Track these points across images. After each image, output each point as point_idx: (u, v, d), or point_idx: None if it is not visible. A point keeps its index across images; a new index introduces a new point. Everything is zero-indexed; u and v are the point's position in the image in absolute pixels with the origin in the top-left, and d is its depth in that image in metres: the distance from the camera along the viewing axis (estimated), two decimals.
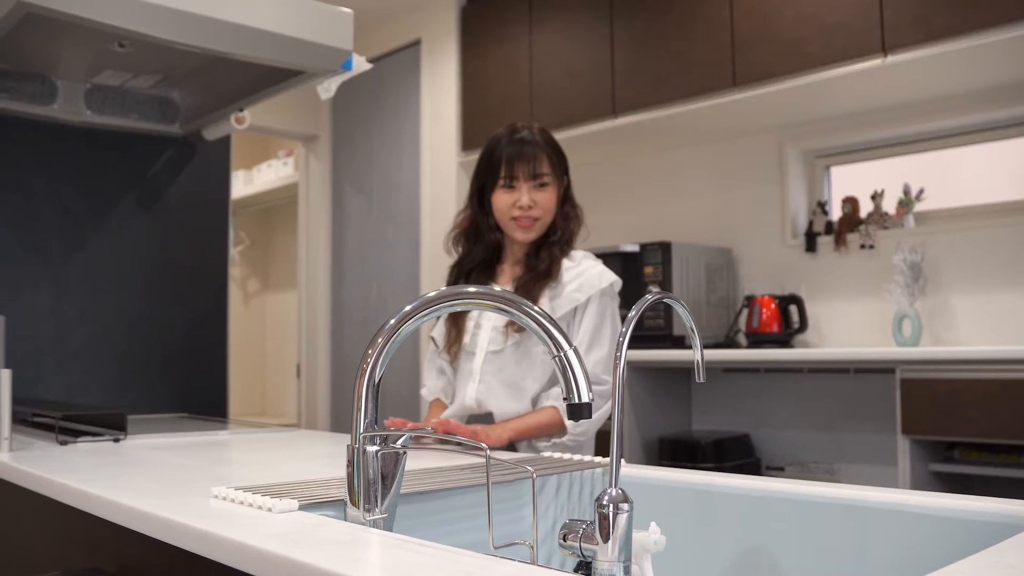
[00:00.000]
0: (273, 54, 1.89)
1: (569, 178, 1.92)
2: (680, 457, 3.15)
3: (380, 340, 0.94)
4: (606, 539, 0.77)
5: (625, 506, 0.77)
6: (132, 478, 1.23)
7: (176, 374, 2.55)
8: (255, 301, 6.33)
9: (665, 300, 0.82)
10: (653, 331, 3.27)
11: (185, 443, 1.71)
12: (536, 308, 0.89)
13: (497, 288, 0.91)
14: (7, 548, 1.46)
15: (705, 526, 1.16)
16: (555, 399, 1.78)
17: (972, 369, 2.45)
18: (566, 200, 1.90)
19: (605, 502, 0.77)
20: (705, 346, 3.27)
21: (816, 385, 3.26)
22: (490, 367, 1.82)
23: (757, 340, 3.24)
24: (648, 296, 0.84)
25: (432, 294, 0.94)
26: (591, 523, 0.79)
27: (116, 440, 1.70)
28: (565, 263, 1.86)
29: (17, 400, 1.81)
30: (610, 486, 0.78)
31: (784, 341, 3.22)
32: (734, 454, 3.22)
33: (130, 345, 2.48)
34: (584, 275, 1.83)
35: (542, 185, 1.83)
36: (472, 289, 0.92)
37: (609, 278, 1.84)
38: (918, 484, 2.56)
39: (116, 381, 2.44)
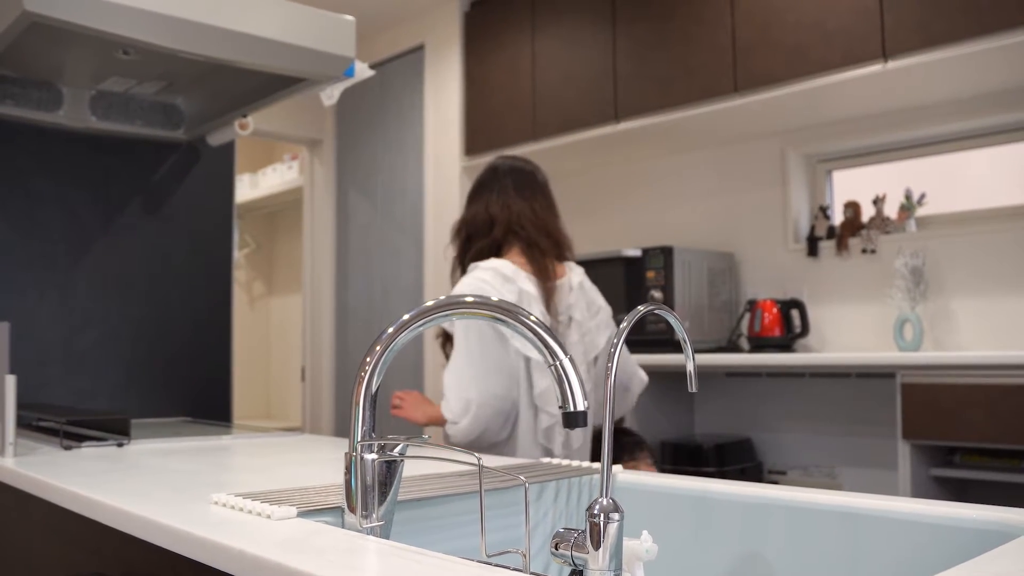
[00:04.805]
0: (276, 62, 1.91)
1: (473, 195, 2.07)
2: (682, 461, 3.16)
3: (378, 349, 0.95)
4: (597, 548, 0.78)
5: (615, 515, 0.78)
6: (135, 484, 1.24)
7: (181, 378, 2.57)
8: (260, 304, 6.35)
9: (656, 312, 0.84)
10: (655, 335, 3.28)
11: (188, 448, 1.72)
12: (533, 317, 0.90)
13: (494, 298, 0.92)
14: (11, 553, 1.48)
15: (702, 533, 1.17)
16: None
17: (973, 374, 2.45)
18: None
19: (596, 511, 0.79)
20: (707, 350, 3.32)
21: (818, 389, 3.27)
22: None
23: (759, 344, 3.24)
24: (640, 308, 0.85)
25: (430, 303, 0.95)
26: (583, 532, 0.81)
27: (120, 445, 1.72)
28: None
29: (22, 405, 1.83)
30: (601, 495, 0.79)
31: (786, 345, 3.23)
32: (736, 458, 3.23)
33: (135, 349, 2.49)
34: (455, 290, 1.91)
35: None
36: (469, 299, 0.93)
37: (455, 290, 1.89)
38: (919, 489, 2.57)
39: (121, 385, 2.46)
